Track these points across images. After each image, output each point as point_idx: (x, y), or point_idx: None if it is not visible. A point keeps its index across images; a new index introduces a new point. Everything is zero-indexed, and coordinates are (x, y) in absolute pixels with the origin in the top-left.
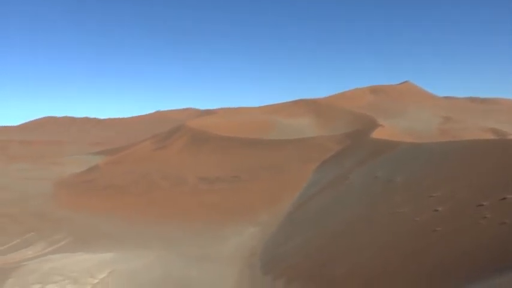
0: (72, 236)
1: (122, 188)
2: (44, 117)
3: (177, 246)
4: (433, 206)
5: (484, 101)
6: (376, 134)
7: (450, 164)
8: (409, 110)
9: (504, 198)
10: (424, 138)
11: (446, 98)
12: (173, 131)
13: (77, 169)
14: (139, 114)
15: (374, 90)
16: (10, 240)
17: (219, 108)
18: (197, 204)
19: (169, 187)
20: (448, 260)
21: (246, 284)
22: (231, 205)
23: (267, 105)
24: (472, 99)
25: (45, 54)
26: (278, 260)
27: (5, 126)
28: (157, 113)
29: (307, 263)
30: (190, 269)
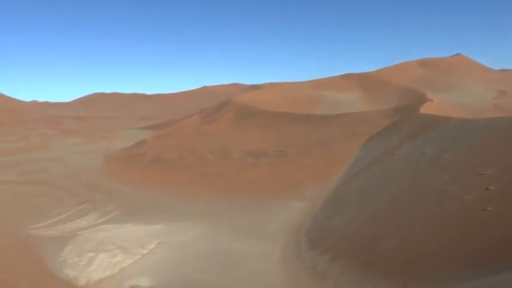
0: (122, 207)
1: (169, 162)
2: (94, 94)
3: (224, 220)
4: (484, 184)
5: None
6: (426, 109)
7: (503, 141)
8: (461, 84)
9: None
10: (476, 114)
11: (501, 70)
12: (220, 106)
13: (126, 143)
14: (187, 90)
15: (424, 63)
16: (66, 210)
17: (266, 83)
18: (244, 179)
19: (216, 161)
20: (499, 240)
21: (290, 258)
22: (277, 180)
23: (314, 80)
24: None
25: (94, 32)
26: (323, 236)
27: (59, 103)
28: (204, 88)
29: (353, 240)
30: (236, 242)
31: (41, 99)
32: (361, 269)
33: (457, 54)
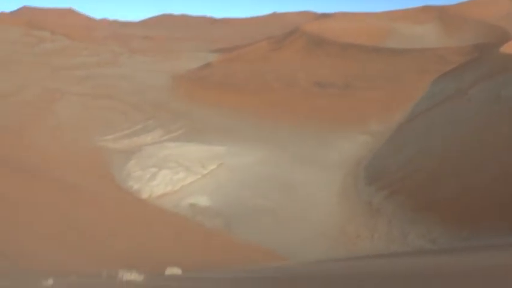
0: (186, 127)
1: (235, 86)
2: (162, 15)
3: (285, 147)
4: None
5: None
6: (507, 49)
7: None
8: None
9: None
10: None
11: None
12: (289, 34)
13: (193, 65)
14: (256, 15)
15: None
16: (133, 125)
17: (336, 12)
18: (308, 108)
19: (281, 88)
20: None
21: (347, 192)
22: (341, 111)
23: (388, 11)
24: None
25: None
26: (382, 173)
27: (128, 22)
28: (274, 14)
29: (412, 180)
30: (295, 170)
31: (111, 17)
32: (416, 210)
33: None
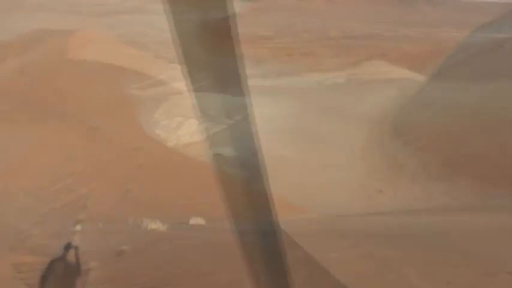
0: (213, 76)
1: (264, 38)
2: None
3: (310, 99)
4: None
5: None
6: None
7: None
8: None
9: None
10: None
11: None
12: None
13: (220, 15)
14: None
15: None
16: (160, 74)
17: None
18: (336, 61)
19: (311, 40)
20: None
21: (372, 146)
22: (369, 63)
23: None
24: None
25: None
26: (410, 128)
27: None
28: None
29: (438, 136)
30: (321, 122)
31: None
32: (441, 166)
33: None
